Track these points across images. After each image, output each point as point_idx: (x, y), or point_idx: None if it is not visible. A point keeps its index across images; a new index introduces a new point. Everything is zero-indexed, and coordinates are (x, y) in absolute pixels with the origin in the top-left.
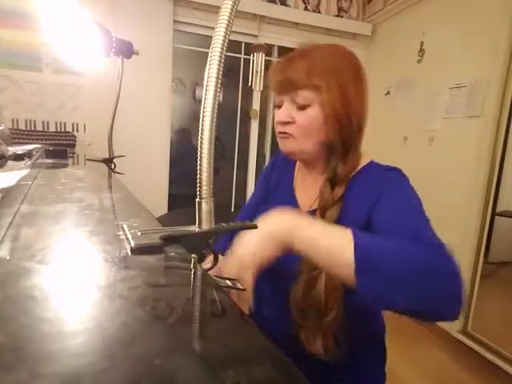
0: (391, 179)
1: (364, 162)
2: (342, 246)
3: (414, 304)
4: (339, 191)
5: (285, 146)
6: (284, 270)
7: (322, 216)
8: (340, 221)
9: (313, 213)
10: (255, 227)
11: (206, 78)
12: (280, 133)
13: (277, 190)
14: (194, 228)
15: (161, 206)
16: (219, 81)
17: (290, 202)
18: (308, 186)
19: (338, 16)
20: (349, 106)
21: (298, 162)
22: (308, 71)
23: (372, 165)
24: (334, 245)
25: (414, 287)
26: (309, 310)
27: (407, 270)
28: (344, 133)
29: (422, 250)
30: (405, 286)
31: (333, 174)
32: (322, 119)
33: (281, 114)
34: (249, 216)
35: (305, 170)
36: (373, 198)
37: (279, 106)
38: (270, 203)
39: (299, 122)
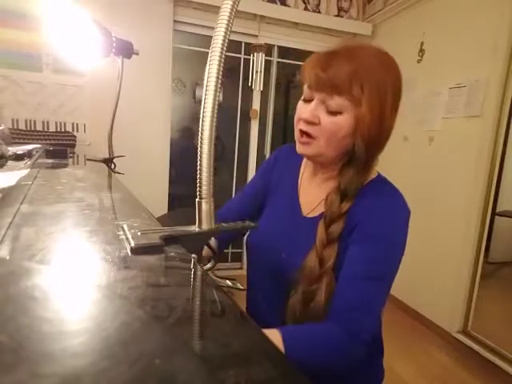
0: (386, 213)
1: (372, 174)
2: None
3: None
4: (347, 205)
5: (304, 150)
6: (283, 275)
7: (326, 228)
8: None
9: (313, 220)
10: (255, 227)
11: (206, 78)
12: (301, 132)
13: (279, 189)
14: (194, 228)
15: (161, 206)
16: (219, 81)
17: (293, 203)
18: (312, 188)
19: (337, 16)
20: (383, 126)
21: (304, 161)
22: (352, 77)
23: (378, 181)
24: None
25: (323, 371)
26: (306, 321)
27: (320, 364)
28: (371, 146)
29: (337, 340)
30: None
31: (346, 185)
32: (350, 130)
33: (307, 113)
34: (242, 205)
35: (311, 172)
36: (362, 228)
37: (307, 101)
38: (273, 202)
39: (325, 125)
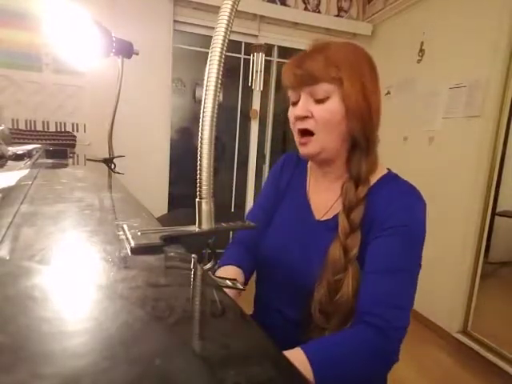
0: (403, 206)
1: (381, 170)
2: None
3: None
4: (363, 190)
5: (306, 150)
6: (300, 282)
7: (348, 217)
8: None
9: (328, 222)
10: (255, 228)
11: (206, 77)
12: (299, 132)
13: (286, 197)
14: (194, 228)
15: (161, 206)
16: (219, 81)
17: (304, 209)
18: (321, 192)
19: (337, 16)
20: (369, 99)
21: (309, 167)
22: (326, 63)
23: (390, 176)
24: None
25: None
26: (333, 313)
27: (356, 374)
28: (366, 127)
29: (367, 341)
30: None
31: (357, 170)
32: (343, 112)
33: (298, 109)
34: (261, 216)
35: (318, 175)
36: (381, 222)
37: (295, 103)
38: (281, 210)
39: (318, 115)
